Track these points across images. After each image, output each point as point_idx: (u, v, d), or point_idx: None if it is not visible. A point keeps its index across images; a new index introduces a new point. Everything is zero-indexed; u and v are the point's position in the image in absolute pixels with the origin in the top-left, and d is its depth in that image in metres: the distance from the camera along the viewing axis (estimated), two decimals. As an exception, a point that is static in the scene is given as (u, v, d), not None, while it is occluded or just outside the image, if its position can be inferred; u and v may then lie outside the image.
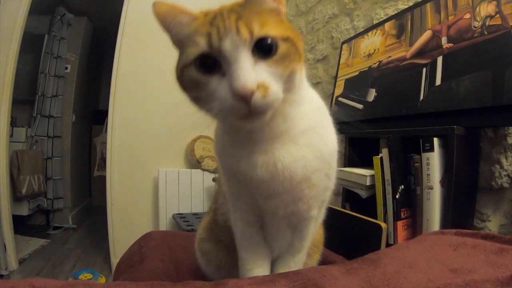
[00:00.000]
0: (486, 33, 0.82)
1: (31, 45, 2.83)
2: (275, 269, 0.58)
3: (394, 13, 1.23)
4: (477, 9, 0.85)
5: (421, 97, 0.96)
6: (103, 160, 3.66)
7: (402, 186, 0.89)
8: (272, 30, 0.38)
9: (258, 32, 0.37)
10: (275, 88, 0.37)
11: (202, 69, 0.38)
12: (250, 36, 0.37)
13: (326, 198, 0.53)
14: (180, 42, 0.42)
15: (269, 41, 0.37)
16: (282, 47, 0.38)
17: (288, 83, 0.39)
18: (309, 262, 0.67)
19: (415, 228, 0.89)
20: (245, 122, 0.38)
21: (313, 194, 0.48)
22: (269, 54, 0.38)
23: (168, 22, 0.41)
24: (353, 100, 1.28)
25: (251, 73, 0.36)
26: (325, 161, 0.47)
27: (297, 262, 0.58)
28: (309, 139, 0.45)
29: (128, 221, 2.11)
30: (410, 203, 0.90)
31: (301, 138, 0.45)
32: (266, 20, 0.38)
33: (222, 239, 0.64)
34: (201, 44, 0.38)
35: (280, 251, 0.58)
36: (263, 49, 0.37)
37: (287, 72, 0.39)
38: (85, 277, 1.93)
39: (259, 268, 0.56)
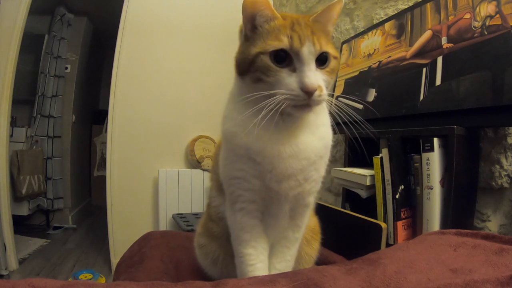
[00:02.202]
0: (486, 33, 0.82)
1: (31, 45, 2.83)
2: (273, 263, 0.60)
3: (394, 13, 1.23)
4: (477, 9, 0.85)
5: (421, 97, 0.96)
6: (103, 160, 3.65)
7: (402, 186, 0.89)
8: (330, 48, 0.50)
9: (323, 47, 0.48)
10: (325, 91, 0.48)
11: (275, 60, 0.48)
12: (320, 49, 0.48)
13: (318, 188, 0.59)
14: (256, 31, 0.50)
15: (327, 55, 0.49)
16: (333, 62, 0.50)
17: (329, 89, 0.51)
18: (308, 250, 0.69)
19: (415, 228, 0.89)
20: (299, 110, 0.49)
21: (315, 177, 0.56)
22: (323, 65, 0.49)
23: (255, 11, 0.49)
24: (353, 100, 1.28)
25: (316, 76, 0.48)
26: (327, 151, 0.57)
27: (292, 255, 0.61)
28: (321, 132, 0.55)
29: (128, 221, 2.11)
30: (410, 203, 0.90)
31: (317, 131, 0.54)
32: (327, 40, 0.50)
33: (214, 230, 0.67)
34: (284, 42, 0.47)
35: (275, 241, 0.60)
36: (321, 60, 0.49)
37: (332, 81, 0.51)
38: (85, 277, 1.93)
39: (261, 263, 0.57)
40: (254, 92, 0.49)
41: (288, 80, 0.47)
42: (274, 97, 0.47)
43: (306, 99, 0.46)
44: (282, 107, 0.47)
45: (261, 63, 0.48)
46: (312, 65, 0.47)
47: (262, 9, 0.49)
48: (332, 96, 0.53)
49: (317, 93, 0.46)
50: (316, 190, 0.58)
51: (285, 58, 0.47)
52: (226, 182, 0.57)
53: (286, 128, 0.51)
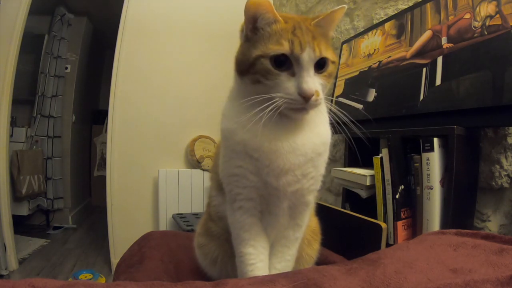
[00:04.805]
0: (486, 33, 0.82)
1: (31, 45, 2.83)
2: (272, 263, 0.60)
3: (394, 13, 1.23)
4: (477, 9, 0.85)
5: (421, 97, 0.96)
6: (103, 160, 3.66)
7: (402, 186, 0.89)
8: (329, 53, 0.51)
9: (323, 53, 0.49)
10: (322, 95, 0.50)
11: (275, 64, 0.48)
12: (319, 54, 0.49)
13: (317, 187, 0.59)
14: (257, 32, 0.51)
15: (325, 60, 0.50)
16: (331, 67, 0.51)
17: (325, 91, 0.52)
18: (308, 251, 0.69)
19: (415, 228, 0.89)
20: (296, 113, 0.50)
21: (314, 175, 0.56)
22: (321, 70, 0.50)
23: (257, 14, 0.50)
24: (353, 100, 1.28)
25: (314, 82, 0.49)
26: (326, 148, 0.57)
27: (292, 255, 0.61)
28: (320, 130, 0.56)
29: (128, 221, 2.11)
30: (410, 203, 0.90)
31: (315, 128, 0.55)
32: (327, 45, 0.51)
33: (213, 230, 0.68)
34: (285, 47, 0.48)
35: (275, 240, 0.60)
36: (319, 65, 0.50)
37: (328, 85, 0.52)
38: (85, 277, 1.93)
39: (261, 263, 0.57)
40: (252, 93, 0.50)
41: (287, 84, 0.48)
42: (273, 100, 0.48)
43: (303, 104, 0.48)
44: (279, 110, 0.49)
45: (261, 66, 0.49)
46: (311, 70, 0.48)
47: (265, 12, 0.49)
48: (332, 97, 0.54)
49: (313, 97, 0.48)
50: (315, 188, 0.58)
51: (285, 62, 0.48)
52: (225, 180, 0.57)
53: (284, 125, 0.52)
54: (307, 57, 0.48)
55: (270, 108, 0.48)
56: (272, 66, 0.48)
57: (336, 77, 1.45)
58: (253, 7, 0.49)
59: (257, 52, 0.49)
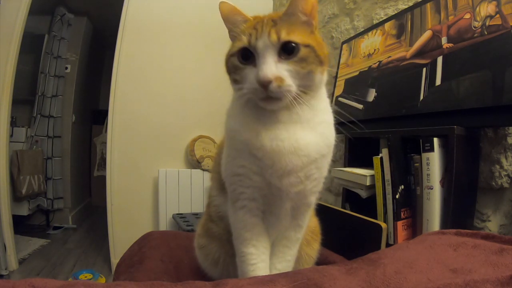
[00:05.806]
0: (486, 33, 0.82)
1: (31, 45, 2.82)
2: (273, 263, 0.60)
3: (394, 13, 1.23)
4: (477, 9, 0.85)
5: (421, 97, 0.96)
6: (103, 160, 3.66)
7: (402, 186, 0.89)
8: (296, 37, 0.48)
9: (284, 37, 0.48)
10: (289, 82, 0.48)
11: (242, 59, 0.51)
12: (277, 40, 0.48)
13: (320, 188, 0.59)
14: (233, 35, 0.53)
15: (292, 45, 0.48)
16: (303, 51, 0.48)
17: (307, 80, 0.50)
18: (308, 251, 0.69)
19: (415, 228, 0.89)
20: (264, 103, 0.49)
21: (317, 176, 0.55)
22: (291, 55, 0.48)
23: (228, 18, 0.53)
24: (353, 100, 1.28)
25: (272, 67, 0.47)
26: (330, 150, 0.56)
27: (293, 255, 0.62)
28: (323, 129, 0.54)
29: (128, 221, 2.11)
30: (410, 203, 0.90)
31: (318, 127, 0.54)
32: (294, 30, 0.49)
33: (214, 231, 0.68)
34: (244, 41, 0.50)
35: (276, 240, 0.61)
36: (287, 50, 0.48)
37: (304, 71, 0.49)
38: (85, 277, 1.93)
39: (262, 263, 0.57)
40: (235, 92, 0.53)
41: (250, 75, 0.49)
42: (241, 92, 0.50)
43: (263, 92, 0.47)
44: (247, 100, 0.50)
45: (231, 64, 0.52)
46: (269, 57, 0.48)
47: (232, 16, 0.53)
48: (332, 95, 0.53)
49: (274, 84, 0.46)
50: (318, 190, 0.58)
51: (250, 56, 0.50)
52: (228, 180, 0.57)
53: (284, 124, 0.51)
54: (262, 44, 0.48)
55: (241, 100, 0.51)
56: (239, 61, 0.51)
57: (336, 77, 1.45)
58: (223, 14, 0.53)
59: (229, 52, 0.53)
